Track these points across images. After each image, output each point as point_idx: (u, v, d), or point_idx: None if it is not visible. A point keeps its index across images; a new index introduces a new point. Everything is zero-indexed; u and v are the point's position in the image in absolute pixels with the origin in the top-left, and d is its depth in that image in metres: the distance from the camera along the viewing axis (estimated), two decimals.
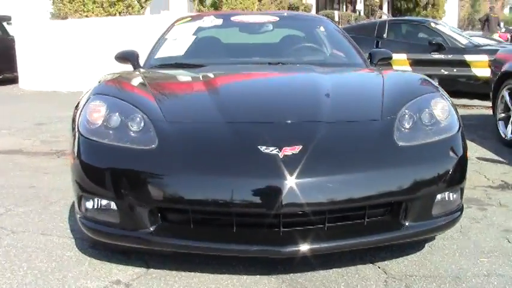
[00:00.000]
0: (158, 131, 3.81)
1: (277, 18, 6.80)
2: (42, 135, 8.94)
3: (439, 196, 3.83)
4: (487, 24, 26.17)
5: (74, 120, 4.10)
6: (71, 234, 4.47)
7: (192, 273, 3.81)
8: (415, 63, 12.36)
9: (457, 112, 4.24)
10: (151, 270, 3.87)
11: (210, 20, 6.56)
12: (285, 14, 7.73)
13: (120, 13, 15.88)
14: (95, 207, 3.78)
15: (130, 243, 3.80)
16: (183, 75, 5.36)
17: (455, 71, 12.22)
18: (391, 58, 6.43)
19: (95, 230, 3.85)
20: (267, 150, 3.59)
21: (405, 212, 3.73)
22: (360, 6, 38.58)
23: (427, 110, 4.08)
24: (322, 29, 6.82)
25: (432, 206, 3.82)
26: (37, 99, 13.90)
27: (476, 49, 12.56)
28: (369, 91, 4.66)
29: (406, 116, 4.00)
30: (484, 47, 12.77)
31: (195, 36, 6.37)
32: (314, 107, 4.16)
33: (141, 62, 6.02)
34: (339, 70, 5.60)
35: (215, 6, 19.72)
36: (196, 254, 3.86)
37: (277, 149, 3.59)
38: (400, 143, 3.81)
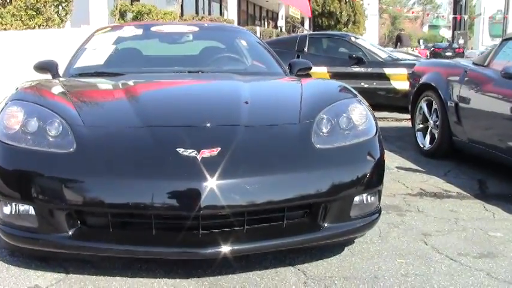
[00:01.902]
0: (76, 135, 3.77)
1: (197, 29, 6.79)
2: None
3: (357, 198, 3.88)
4: (399, 42, 26.93)
5: None
6: None
7: (112, 277, 3.77)
8: (336, 77, 12.43)
9: (374, 117, 4.30)
10: (71, 275, 3.80)
11: (130, 30, 6.51)
12: (206, 25, 7.74)
13: (39, 26, 15.62)
14: (13, 212, 3.71)
15: (48, 248, 3.74)
16: (102, 83, 5.30)
17: (374, 84, 12.39)
18: (310, 68, 6.45)
19: (12, 236, 3.77)
20: (185, 153, 3.60)
21: (324, 213, 3.77)
22: (281, 22, 38.76)
23: (344, 114, 4.13)
24: (242, 40, 6.85)
25: (350, 208, 3.87)
26: None
27: (395, 63, 12.76)
28: (287, 97, 4.71)
29: (324, 120, 4.05)
30: (402, 61, 12.95)
31: (114, 46, 6.31)
32: (233, 112, 4.20)
33: (61, 72, 5.91)
34: (258, 78, 5.63)
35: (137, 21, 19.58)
36: (117, 259, 3.87)
37: (196, 151, 3.60)
38: (318, 146, 3.86)
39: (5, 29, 15.17)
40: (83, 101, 4.40)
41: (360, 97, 4.47)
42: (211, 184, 3.44)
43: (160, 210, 3.50)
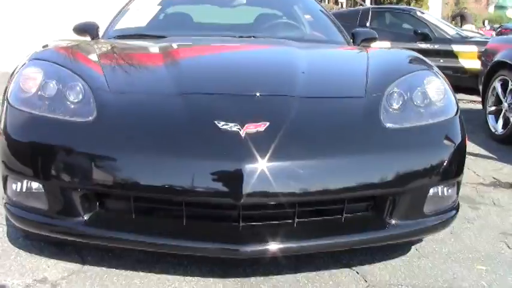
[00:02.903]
0: (98, 102, 3.16)
1: None
2: None
3: (431, 190, 3.20)
4: (463, 21, 25.86)
5: (5, 91, 3.43)
6: (4, 222, 3.83)
7: (135, 272, 3.20)
8: None
9: (453, 93, 3.62)
10: (87, 267, 3.24)
11: None
12: None
13: None
14: (22, 190, 3.13)
15: (59, 235, 3.15)
16: (140, 46, 4.71)
17: (441, 61, 11.58)
18: (375, 39, 5.83)
19: (21, 218, 3.19)
20: (225, 127, 2.95)
21: (391, 208, 3.10)
22: None
23: (419, 88, 3.44)
24: (300, 5, 6.23)
25: (424, 202, 3.18)
26: None
27: (464, 40, 12.02)
28: (351, 67, 4.05)
29: (395, 94, 3.37)
30: (472, 38, 12.21)
31: (160, 7, 5.77)
32: (286, 80, 3.52)
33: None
34: (317, 46, 4.97)
35: None
36: (141, 250, 3.26)
37: (239, 125, 2.94)
38: (388, 125, 3.17)
39: None
40: (114, 63, 3.80)
41: (436, 69, 3.79)
42: (256, 166, 2.78)
43: (193, 195, 2.85)
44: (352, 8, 22.79)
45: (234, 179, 2.77)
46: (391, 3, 45.38)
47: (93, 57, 3.78)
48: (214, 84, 3.47)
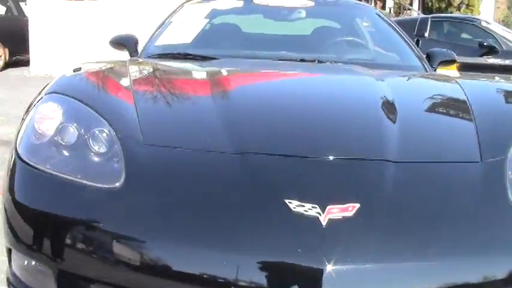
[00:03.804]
0: (128, 159, 2.40)
1: (313, 4, 5.42)
2: None
3: None
4: None
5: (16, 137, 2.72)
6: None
7: None
8: (464, 68, 10.89)
9: None
10: None
11: (228, 1, 5.29)
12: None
13: None
14: (31, 264, 2.39)
15: None
16: (184, 71, 3.97)
17: None
18: (454, 62, 5.15)
19: None
20: (300, 209, 2.11)
21: None
22: (390, 3, 37.04)
23: None
24: (367, 19, 5.46)
25: None
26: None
27: None
28: (451, 110, 3.19)
29: None
30: None
31: (207, 21, 5.05)
32: (375, 136, 2.65)
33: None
34: (396, 74, 4.10)
35: None
36: None
37: (318, 208, 2.11)
38: None
39: None
40: (150, 98, 3.03)
41: None
42: (345, 269, 1.97)
43: None
44: (410, 17, 21.99)
45: (313, 285, 1.97)
46: (439, 8, 44.55)
47: (127, 87, 3.05)
48: (280, 140, 2.63)
